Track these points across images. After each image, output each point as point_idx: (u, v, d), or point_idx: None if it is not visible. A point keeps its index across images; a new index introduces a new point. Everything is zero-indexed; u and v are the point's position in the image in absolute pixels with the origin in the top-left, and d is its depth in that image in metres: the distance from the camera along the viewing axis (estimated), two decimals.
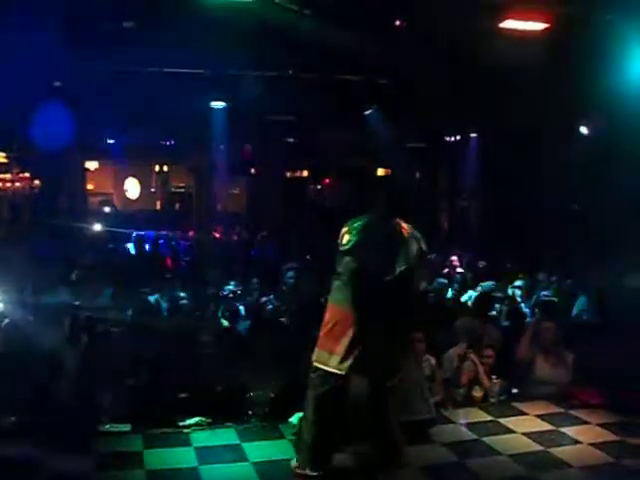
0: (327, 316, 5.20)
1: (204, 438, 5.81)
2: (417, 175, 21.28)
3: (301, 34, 9.27)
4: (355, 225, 5.19)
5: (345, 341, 5.00)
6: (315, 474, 5.07)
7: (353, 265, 5.08)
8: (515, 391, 7.02)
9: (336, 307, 5.16)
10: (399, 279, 5.07)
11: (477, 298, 9.15)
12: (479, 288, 10.29)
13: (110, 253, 14.43)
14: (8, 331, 6.78)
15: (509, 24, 8.99)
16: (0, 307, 7.74)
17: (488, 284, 10.44)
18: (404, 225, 5.28)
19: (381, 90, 13.15)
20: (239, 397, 6.47)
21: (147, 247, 15.79)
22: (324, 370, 5.06)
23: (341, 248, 5.16)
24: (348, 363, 4.99)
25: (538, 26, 9.03)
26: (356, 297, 5.04)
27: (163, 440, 5.77)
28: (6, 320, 6.98)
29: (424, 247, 5.28)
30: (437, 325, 7.77)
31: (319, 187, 22.84)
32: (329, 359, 5.05)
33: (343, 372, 5.01)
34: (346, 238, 5.15)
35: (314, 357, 5.15)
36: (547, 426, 6.23)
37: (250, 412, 6.29)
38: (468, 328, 7.34)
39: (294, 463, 5.25)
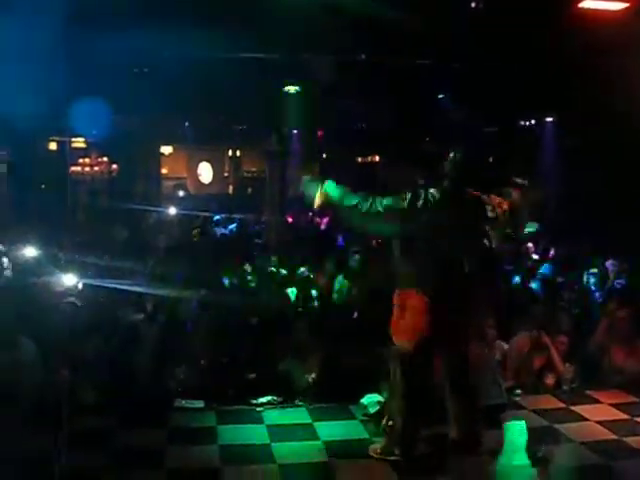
0: (398, 299, 5.19)
1: (276, 416, 5.93)
2: (490, 160, 20.95)
3: (374, 18, 9.23)
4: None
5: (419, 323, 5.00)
6: (400, 457, 5.08)
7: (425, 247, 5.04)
8: (588, 379, 6.91)
9: (407, 290, 5.12)
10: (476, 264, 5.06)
11: (546, 284, 9.02)
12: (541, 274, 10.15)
13: (184, 236, 14.74)
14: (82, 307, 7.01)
15: (588, 4, 8.78)
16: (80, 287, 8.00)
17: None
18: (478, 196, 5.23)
19: (454, 74, 13.00)
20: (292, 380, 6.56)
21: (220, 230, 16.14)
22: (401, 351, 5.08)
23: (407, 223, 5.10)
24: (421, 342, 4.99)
25: (618, 5, 8.79)
26: (429, 279, 5.01)
27: (236, 417, 5.92)
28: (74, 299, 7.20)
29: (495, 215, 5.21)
30: (509, 311, 7.71)
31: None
32: (405, 341, 5.06)
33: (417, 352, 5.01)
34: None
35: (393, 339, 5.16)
36: (622, 415, 6.11)
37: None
38: (539, 314, 7.23)
39: (374, 446, 5.26)
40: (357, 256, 10.75)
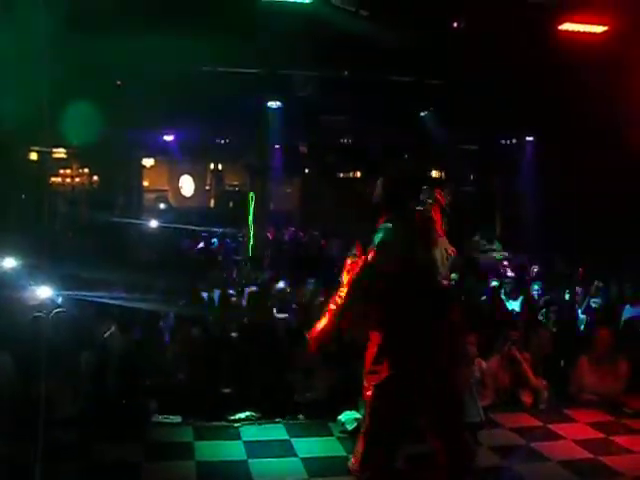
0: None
1: (253, 433, 5.93)
2: (471, 177, 21.15)
3: (357, 35, 9.30)
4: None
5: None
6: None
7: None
8: (565, 398, 6.95)
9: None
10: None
11: (523, 302, 9.08)
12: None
13: (164, 249, 14.71)
14: (59, 320, 6.95)
15: (568, 26, 8.90)
16: (56, 299, 7.93)
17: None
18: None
19: (436, 92, 13.11)
20: (286, 396, 6.56)
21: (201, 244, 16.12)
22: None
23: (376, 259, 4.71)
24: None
25: (597, 29, 8.92)
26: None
27: (213, 433, 5.90)
28: (57, 309, 7.15)
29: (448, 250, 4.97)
30: (489, 328, 7.74)
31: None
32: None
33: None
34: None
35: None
36: (598, 434, 6.16)
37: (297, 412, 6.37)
38: (515, 332, 7.25)
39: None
40: None
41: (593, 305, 9.82)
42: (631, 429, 6.27)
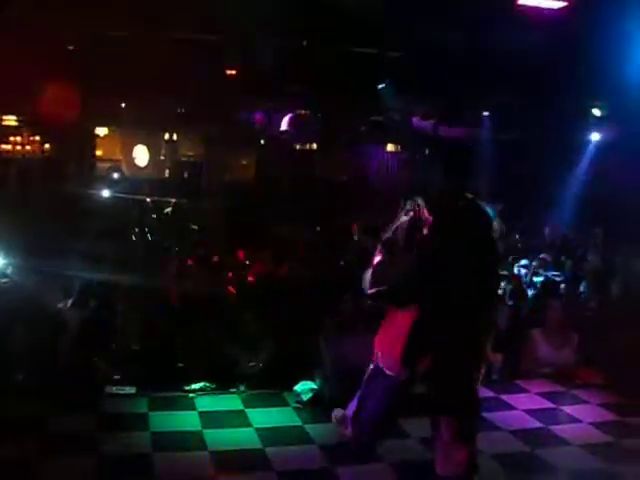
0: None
1: (208, 403, 5.92)
2: (427, 152, 21.22)
3: (317, 4, 9.20)
4: None
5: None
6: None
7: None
8: (517, 369, 7.08)
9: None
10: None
11: None
12: None
13: (117, 219, 14.48)
14: (8, 290, 6.82)
15: (526, 1, 8.89)
16: (9, 270, 7.79)
17: None
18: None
19: (395, 64, 13.06)
20: (233, 366, 6.55)
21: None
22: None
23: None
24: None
25: (555, 4, 8.92)
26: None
27: (168, 403, 5.87)
28: (5, 279, 7.01)
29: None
30: None
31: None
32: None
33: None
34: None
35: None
36: (548, 404, 6.30)
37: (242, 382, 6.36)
38: None
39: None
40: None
41: (535, 279, 10.02)
42: (580, 399, 6.44)
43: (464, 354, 4.16)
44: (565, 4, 8.80)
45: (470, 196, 4.33)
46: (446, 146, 5.32)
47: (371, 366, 4.40)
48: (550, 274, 10.20)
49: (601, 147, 14.21)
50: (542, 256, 11.17)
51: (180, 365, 6.53)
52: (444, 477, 4.26)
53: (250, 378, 6.41)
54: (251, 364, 6.59)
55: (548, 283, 9.76)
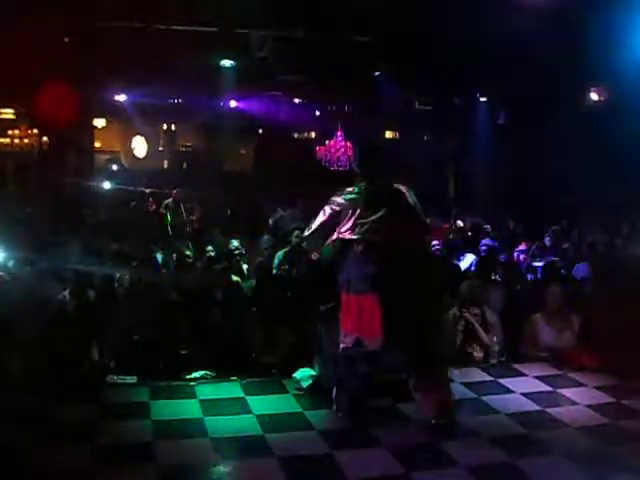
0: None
1: (209, 391, 5.97)
2: (426, 138, 21.25)
3: None
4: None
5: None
6: None
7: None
8: (515, 353, 7.12)
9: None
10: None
11: (478, 261, 9.20)
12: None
13: (118, 211, 14.51)
14: (9, 282, 6.86)
15: None
16: (10, 263, 7.84)
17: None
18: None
19: (389, 51, 13.06)
20: (244, 354, 6.60)
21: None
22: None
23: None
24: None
25: None
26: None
27: (169, 392, 5.93)
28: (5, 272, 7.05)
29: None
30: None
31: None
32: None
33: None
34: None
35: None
36: (545, 387, 6.34)
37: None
38: (469, 290, 7.37)
39: None
40: (298, 232, 10.75)
41: (535, 264, 10.04)
42: (577, 382, 6.47)
43: (417, 315, 5.33)
44: None
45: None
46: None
47: (345, 350, 5.44)
48: (549, 259, 10.20)
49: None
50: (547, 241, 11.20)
51: (182, 352, 6.57)
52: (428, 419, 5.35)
53: (250, 366, 6.45)
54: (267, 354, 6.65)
55: (549, 267, 9.76)
